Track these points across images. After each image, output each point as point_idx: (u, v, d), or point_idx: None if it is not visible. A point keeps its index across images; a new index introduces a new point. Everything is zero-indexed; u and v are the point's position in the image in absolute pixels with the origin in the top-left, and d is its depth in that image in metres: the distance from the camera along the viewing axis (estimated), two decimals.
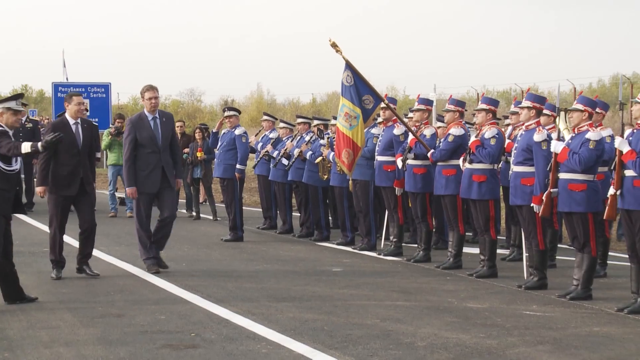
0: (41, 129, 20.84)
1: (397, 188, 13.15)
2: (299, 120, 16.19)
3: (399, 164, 12.84)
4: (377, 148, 13.49)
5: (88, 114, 21.65)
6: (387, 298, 10.13)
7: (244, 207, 16.11)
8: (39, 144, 9.68)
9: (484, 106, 11.78)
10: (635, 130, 9.47)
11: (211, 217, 18.63)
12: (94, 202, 11.50)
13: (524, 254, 11.50)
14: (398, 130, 13.23)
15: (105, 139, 18.78)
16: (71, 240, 12.53)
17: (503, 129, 13.02)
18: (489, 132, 11.56)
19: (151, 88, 11.77)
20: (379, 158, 13.42)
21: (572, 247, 10.68)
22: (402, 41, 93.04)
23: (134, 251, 13.39)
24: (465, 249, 12.64)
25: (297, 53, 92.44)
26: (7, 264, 9.60)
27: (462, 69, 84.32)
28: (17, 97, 9.93)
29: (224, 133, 15.71)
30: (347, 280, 11.36)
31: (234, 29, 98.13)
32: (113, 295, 10.10)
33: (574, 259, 10.43)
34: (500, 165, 11.97)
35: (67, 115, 11.16)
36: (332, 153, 13.78)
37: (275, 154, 15.98)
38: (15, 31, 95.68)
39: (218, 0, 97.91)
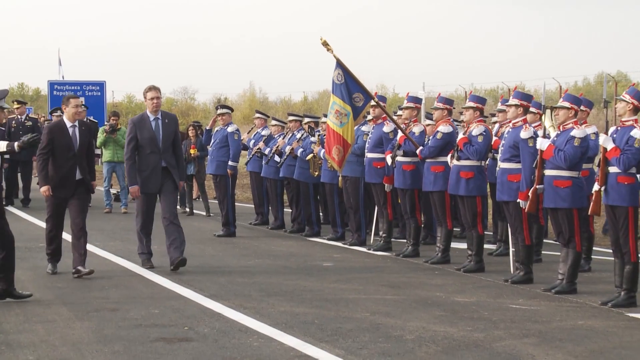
0: (41, 126, 20.81)
1: (386, 184, 13.16)
2: (291, 117, 16.19)
3: (389, 160, 12.85)
4: (367, 145, 13.51)
5: (87, 109, 21.55)
6: (376, 292, 10.14)
7: (236, 203, 16.12)
8: (16, 143, 9.61)
9: (471, 104, 11.80)
10: (619, 128, 9.50)
11: (204, 213, 18.63)
12: (87, 206, 11.22)
13: (511, 249, 11.52)
14: (388, 127, 13.24)
15: (100, 137, 18.74)
16: (67, 236, 12.52)
17: (490, 127, 13.05)
18: (476, 129, 11.58)
19: (153, 88, 11.60)
20: (368, 155, 13.43)
21: (557, 242, 10.71)
22: (392, 41, 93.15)
23: (128, 246, 13.40)
24: (453, 244, 12.66)
25: (288, 52, 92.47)
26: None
27: (451, 67, 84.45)
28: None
29: (216, 130, 15.71)
30: (338, 274, 11.37)
31: (227, 29, 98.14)
32: (108, 290, 10.09)
33: (559, 253, 10.46)
34: (487, 162, 11.99)
35: (64, 117, 11.03)
36: (323, 150, 13.79)
37: (267, 151, 15.99)
38: (11, 30, 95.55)
39: (212, 0, 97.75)
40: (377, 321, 8.53)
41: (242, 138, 16.11)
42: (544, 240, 13.10)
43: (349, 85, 12.82)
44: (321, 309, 9.13)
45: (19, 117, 20.33)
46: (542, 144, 10.11)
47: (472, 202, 11.64)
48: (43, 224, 16.23)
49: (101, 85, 32.39)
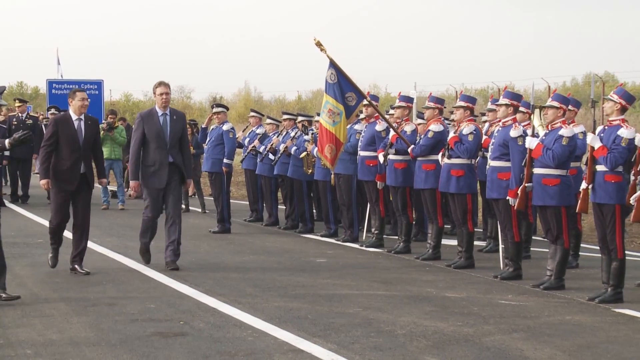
0: (41, 124, 20.81)
1: (378, 182, 13.17)
2: (285, 116, 16.21)
3: (381, 158, 12.86)
4: (359, 143, 13.51)
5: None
6: (368, 288, 10.14)
7: (231, 200, 16.12)
8: (7, 140, 9.51)
9: (462, 103, 11.81)
10: (606, 127, 9.51)
11: (200, 210, 18.62)
12: (90, 202, 10.99)
13: (500, 246, 11.53)
14: (380, 126, 13.25)
15: None
16: (67, 234, 12.50)
17: (480, 126, 13.05)
18: (467, 128, 11.59)
19: (163, 84, 11.24)
20: (361, 153, 13.43)
21: (545, 239, 10.72)
22: (384, 41, 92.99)
23: (125, 242, 13.41)
24: (444, 241, 12.68)
25: (283, 52, 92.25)
26: None
27: (442, 68, 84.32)
28: None
29: (212, 129, 15.71)
30: (331, 270, 11.37)
31: (223, 29, 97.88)
32: (105, 285, 10.08)
33: (547, 250, 10.47)
34: (477, 160, 11.99)
35: (70, 111, 10.80)
36: (316, 148, 13.79)
37: (262, 149, 15.99)
38: (11, 30, 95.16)
39: (207, 2, 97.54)
40: (369, 316, 8.54)
41: (237, 136, 16.12)
42: (533, 237, 13.12)
43: (342, 85, 12.82)
44: (314, 304, 9.13)
45: (20, 115, 20.30)
46: (531, 142, 10.12)
47: (463, 199, 11.65)
48: (42, 220, 16.29)
49: (99, 84, 32.37)
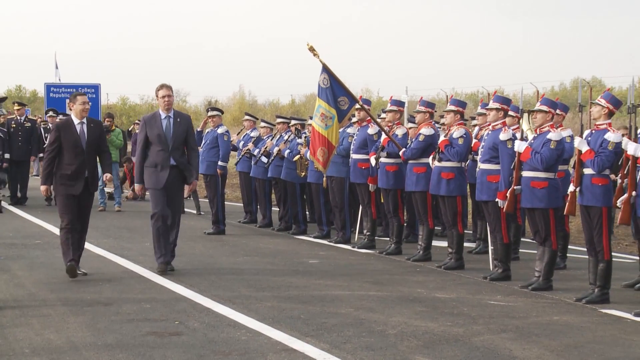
0: (39, 127, 20.78)
1: (370, 184, 13.17)
2: (279, 120, 16.21)
3: (373, 161, 12.87)
4: (352, 147, 13.52)
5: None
6: (360, 288, 10.14)
7: (226, 202, 16.10)
8: None
9: (452, 107, 11.81)
10: (593, 131, 9.53)
11: (195, 212, 18.61)
12: (91, 205, 10.87)
13: (490, 247, 11.54)
14: (372, 130, 13.26)
15: None
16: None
17: (470, 129, 13.07)
18: (457, 132, 11.60)
19: (165, 87, 10.99)
20: (353, 156, 13.44)
21: (534, 241, 10.70)
22: (376, 46, 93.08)
23: (121, 243, 13.39)
24: (434, 243, 12.68)
25: (276, 57, 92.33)
26: None
27: (433, 72, 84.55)
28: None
29: (207, 132, 15.71)
30: (323, 271, 11.37)
31: (218, 35, 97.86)
32: (101, 286, 10.06)
33: (535, 252, 10.47)
34: (467, 163, 12.01)
35: (72, 115, 10.68)
36: (309, 151, 13.78)
37: (256, 151, 15.99)
38: (10, 35, 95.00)
39: (203, 8, 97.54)
40: (360, 316, 8.53)
41: (231, 139, 16.11)
42: (522, 239, 13.11)
43: (334, 89, 12.83)
44: (307, 304, 9.13)
45: (19, 118, 20.26)
46: (519, 146, 10.14)
47: (453, 201, 11.66)
48: (39, 222, 16.27)
49: (96, 88, 32.31)
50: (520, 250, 12.65)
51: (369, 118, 13.36)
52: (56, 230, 14.89)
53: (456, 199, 11.65)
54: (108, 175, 11.22)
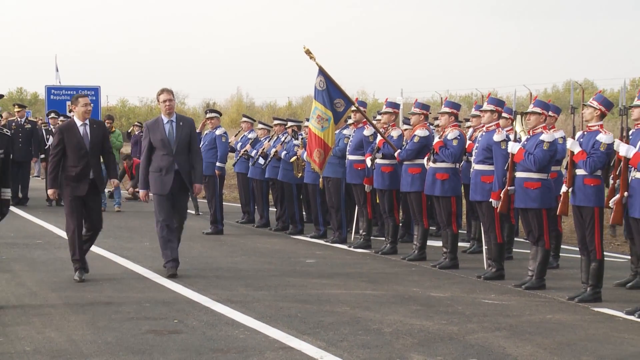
0: (39, 129, 20.79)
1: (366, 185, 13.17)
2: (276, 121, 16.22)
3: (368, 162, 12.87)
4: (348, 148, 13.52)
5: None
6: (356, 287, 10.14)
7: (224, 203, 16.10)
8: None
9: (447, 109, 11.82)
10: (585, 133, 9.53)
11: (193, 212, 18.58)
12: (100, 206, 10.76)
13: (484, 247, 11.54)
14: (368, 131, 13.26)
15: None
16: (63, 233, 12.48)
17: (464, 131, 13.08)
18: (451, 133, 11.60)
19: (165, 91, 10.82)
20: (349, 157, 13.44)
21: (527, 241, 10.73)
22: (372, 50, 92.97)
23: (121, 244, 13.39)
24: (429, 242, 12.69)
25: (274, 60, 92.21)
26: None
27: (428, 75, 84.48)
28: None
29: (206, 133, 15.70)
30: (320, 271, 11.37)
31: (216, 38, 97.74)
32: (101, 284, 10.05)
33: (529, 251, 10.48)
34: (461, 164, 12.01)
35: (74, 117, 10.50)
36: (305, 152, 13.79)
37: (253, 153, 15.99)
38: (11, 38, 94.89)
39: (201, 12, 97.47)
40: (356, 315, 8.53)
41: (229, 141, 16.11)
42: (515, 239, 13.12)
43: (330, 92, 12.83)
44: (304, 303, 9.13)
45: (19, 119, 20.26)
46: (513, 147, 10.15)
47: (447, 202, 11.66)
48: (40, 222, 16.26)
49: (96, 90, 32.28)
50: (513, 249, 12.66)
51: (365, 120, 13.37)
52: (57, 230, 14.94)
53: (450, 200, 11.66)
54: (115, 180, 11.13)
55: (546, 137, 10.00)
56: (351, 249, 13.42)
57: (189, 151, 10.83)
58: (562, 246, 12.25)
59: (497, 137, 10.63)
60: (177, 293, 9.61)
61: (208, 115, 15.79)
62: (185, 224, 11.18)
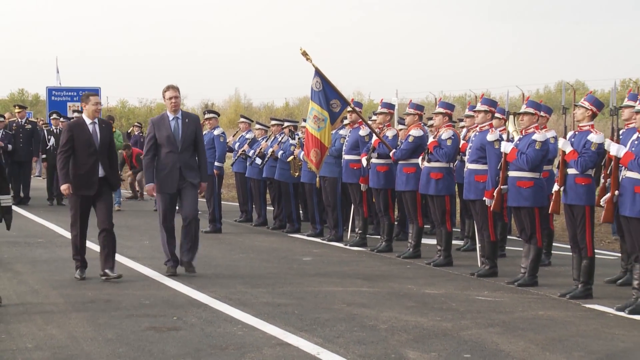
0: (40, 129, 20.78)
1: (362, 184, 13.18)
2: (273, 122, 16.23)
3: (364, 162, 12.88)
4: (344, 148, 13.53)
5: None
6: (352, 285, 10.14)
7: (222, 202, 16.11)
8: None
9: (441, 110, 11.82)
10: (576, 132, 9.55)
11: None
12: (112, 205, 10.53)
13: (477, 245, 11.55)
14: (363, 131, 13.27)
15: None
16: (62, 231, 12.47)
17: (458, 131, 13.08)
18: (445, 133, 11.61)
19: (171, 88, 10.59)
20: (346, 157, 13.45)
21: (520, 239, 10.74)
22: (367, 52, 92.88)
23: (120, 242, 13.27)
24: (424, 240, 12.69)
25: (271, 62, 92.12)
26: None
27: (422, 76, 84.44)
28: None
29: (204, 134, 15.67)
30: (316, 268, 11.37)
31: (215, 41, 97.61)
32: (102, 282, 10.02)
33: (521, 249, 10.50)
34: (455, 164, 12.02)
35: (83, 115, 10.26)
36: (302, 152, 13.79)
37: (251, 153, 16.00)
38: (13, 41, 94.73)
39: (200, 15, 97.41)
40: (352, 312, 8.54)
41: (227, 141, 16.11)
42: (508, 237, 13.14)
43: (326, 92, 12.83)
44: (301, 300, 9.13)
45: (20, 120, 20.28)
46: (506, 147, 10.16)
47: (442, 201, 11.67)
48: (42, 221, 16.25)
49: (96, 91, 31.96)
50: (506, 247, 12.67)
51: (361, 120, 13.38)
52: (58, 229, 14.93)
53: (445, 198, 11.67)
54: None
55: (538, 136, 10.01)
56: (347, 247, 13.43)
57: (194, 149, 10.65)
58: (553, 244, 12.26)
59: (490, 137, 10.65)
60: (176, 290, 9.61)
61: (206, 116, 15.80)
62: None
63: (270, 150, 15.34)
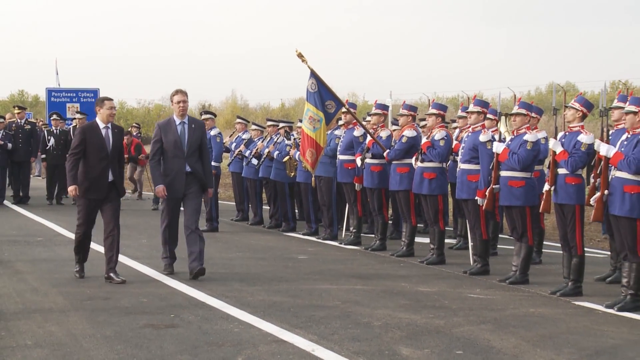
0: (39, 130, 20.78)
1: (356, 184, 13.19)
2: (269, 123, 16.24)
3: (358, 162, 12.88)
4: (339, 148, 13.53)
5: (87, 115, 21.65)
6: (346, 283, 10.15)
7: (219, 201, 16.10)
8: None
9: (434, 111, 11.82)
10: (567, 133, 9.56)
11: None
12: (119, 210, 10.25)
13: (469, 243, 11.56)
14: (358, 132, 13.28)
15: None
16: (64, 232, 12.46)
17: (451, 132, 13.09)
18: (438, 134, 11.61)
19: (180, 92, 10.35)
20: (340, 157, 13.45)
21: (511, 237, 10.75)
22: (362, 54, 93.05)
23: (120, 241, 13.32)
24: (417, 239, 12.69)
25: (267, 63, 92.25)
26: None
27: (416, 77, 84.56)
28: None
29: None
30: (311, 266, 11.37)
31: (212, 43, 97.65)
32: (100, 281, 10.02)
33: (513, 247, 10.51)
34: (448, 164, 12.03)
35: (97, 119, 9.98)
36: (298, 152, 13.80)
37: (247, 153, 16.00)
38: (13, 43, 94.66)
39: (197, 18, 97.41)
40: (347, 309, 8.54)
41: (224, 141, 16.11)
42: (500, 235, 13.15)
43: (322, 94, 12.84)
44: (296, 297, 9.13)
45: (19, 121, 20.30)
46: (497, 147, 10.17)
47: (434, 200, 11.67)
48: (41, 220, 16.23)
49: (95, 93, 32.17)
50: (498, 246, 12.68)
51: (355, 121, 13.38)
52: (57, 228, 14.93)
53: (437, 198, 11.67)
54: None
55: (529, 137, 10.02)
56: (342, 245, 13.43)
57: (199, 154, 10.43)
58: (544, 242, 12.28)
59: (483, 138, 10.66)
60: (173, 288, 9.60)
61: (203, 117, 15.77)
62: (181, 221, 10.89)
63: (267, 150, 15.35)
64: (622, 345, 7.39)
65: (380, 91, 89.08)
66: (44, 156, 20.37)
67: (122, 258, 11.62)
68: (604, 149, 8.87)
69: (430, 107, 12.10)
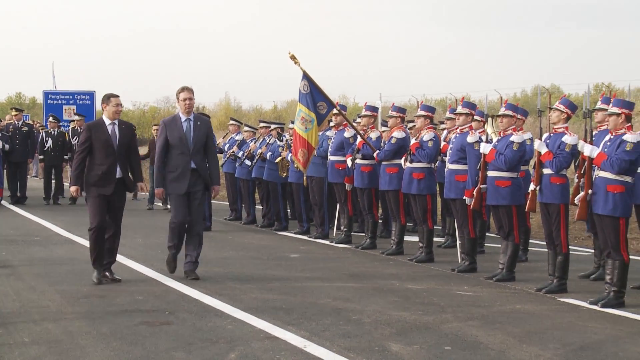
0: (36, 132, 20.76)
1: (347, 184, 13.19)
2: (261, 124, 16.22)
3: (349, 163, 12.89)
4: (330, 149, 13.54)
5: (85, 117, 21.64)
6: (338, 280, 10.15)
7: (212, 201, 16.06)
8: None
9: (422, 113, 11.83)
10: (551, 134, 9.58)
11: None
12: (123, 207, 10.02)
13: (457, 242, 11.57)
14: (348, 133, 13.28)
15: None
16: (62, 231, 12.43)
17: (439, 133, 13.10)
18: (427, 135, 11.62)
19: (186, 89, 10.05)
20: (331, 157, 13.45)
21: (498, 236, 10.77)
22: (353, 57, 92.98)
23: None
24: (406, 238, 12.69)
25: (260, 66, 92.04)
26: None
27: (405, 80, 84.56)
28: None
29: None
30: (303, 265, 11.37)
31: (206, 47, 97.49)
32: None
33: (499, 245, 10.52)
34: (436, 164, 12.03)
35: (103, 116, 9.87)
36: (290, 153, 13.80)
37: (240, 154, 15.99)
38: (10, 45, 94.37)
39: (191, 22, 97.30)
40: (338, 306, 8.54)
41: (217, 142, 16.08)
42: (487, 234, 13.16)
43: (313, 95, 12.84)
44: (288, 295, 9.13)
45: (16, 122, 20.28)
46: (485, 148, 10.18)
47: (423, 200, 11.68)
48: (38, 219, 16.20)
49: (91, 95, 32.16)
50: (485, 244, 12.70)
51: (346, 122, 13.39)
52: (54, 227, 14.90)
53: (426, 197, 11.68)
54: (141, 184, 10.16)
55: (516, 138, 10.04)
56: (333, 244, 13.44)
57: (205, 151, 10.15)
58: (530, 241, 12.29)
59: (470, 139, 10.67)
60: (168, 286, 9.59)
61: None
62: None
63: (259, 151, 15.35)
64: (605, 340, 7.41)
65: (370, 93, 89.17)
66: (41, 157, 20.36)
67: (118, 257, 11.61)
68: (588, 150, 8.89)
69: (419, 109, 12.10)
